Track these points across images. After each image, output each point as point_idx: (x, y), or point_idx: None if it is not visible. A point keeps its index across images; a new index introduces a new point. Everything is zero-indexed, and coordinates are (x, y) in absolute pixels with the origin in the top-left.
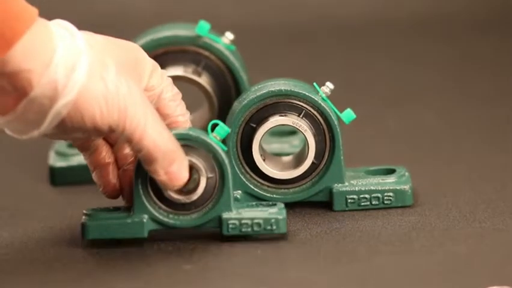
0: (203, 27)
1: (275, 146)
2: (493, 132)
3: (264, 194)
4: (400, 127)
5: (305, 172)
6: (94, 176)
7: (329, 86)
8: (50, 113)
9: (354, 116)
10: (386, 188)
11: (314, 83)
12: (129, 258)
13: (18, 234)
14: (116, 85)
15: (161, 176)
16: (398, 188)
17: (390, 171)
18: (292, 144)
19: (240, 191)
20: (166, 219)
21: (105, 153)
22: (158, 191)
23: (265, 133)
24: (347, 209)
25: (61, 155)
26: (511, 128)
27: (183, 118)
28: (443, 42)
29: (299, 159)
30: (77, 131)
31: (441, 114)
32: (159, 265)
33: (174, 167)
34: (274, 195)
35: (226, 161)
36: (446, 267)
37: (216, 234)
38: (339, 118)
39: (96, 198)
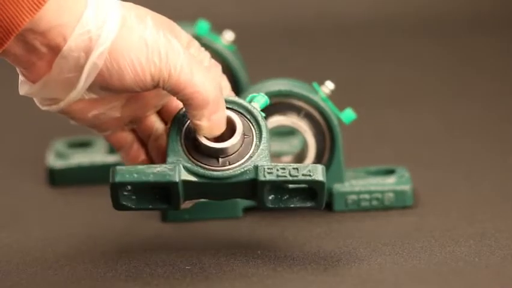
0: (202, 27)
1: (275, 146)
2: (493, 132)
3: None
4: (400, 127)
5: None
6: (121, 155)
7: (329, 85)
8: (86, 66)
9: (354, 116)
10: (386, 189)
11: (314, 83)
12: (128, 259)
13: (18, 235)
14: (153, 34)
15: (204, 122)
16: (398, 188)
17: (390, 172)
18: (292, 144)
19: None
20: (201, 170)
21: (138, 150)
22: (193, 150)
23: None
24: (346, 209)
25: (60, 155)
26: (511, 128)
27: (225, 90)
28: (443, 42)
29: (299, 159)
30: (116, 87)
31: (442, 115)
32: (159, 265)
33: (217, 116)
34: None
35: (264, 121)
36: (446, 267)
37: (216, 235)
38: (339, 118)
39: (95, 199)
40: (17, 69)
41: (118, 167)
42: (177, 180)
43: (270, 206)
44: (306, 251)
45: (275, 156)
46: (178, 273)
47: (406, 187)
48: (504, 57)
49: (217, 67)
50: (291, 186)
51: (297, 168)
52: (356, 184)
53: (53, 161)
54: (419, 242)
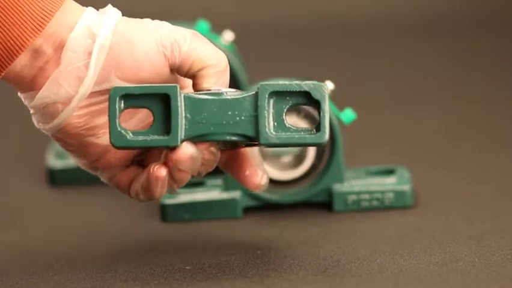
0: (202, 27)
1: None
2: (493, 132)
3: (264, 194)
4: (400, 127)
5: (305, 172)
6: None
7: (329, 85)
8: (94, 49)
9: (354, 116)
10: (386, 189)
11: None
12: (128, 259)
13: (18, 235)
14: (153, 20)
15: (211, 85)
16: (398, 188)
17: (390, 172)
18: None
19: (239, 191)
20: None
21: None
22: None
23: None
24: (346, 209)
25: (60, 155)
26: (511, 128)
27: None
28: (443, 42)
29: (299, 159)
30: (129, 65)
31: (441, 114)
32: (159, 265)
33: (222, 80)
34: (274, 196)
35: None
36: (446, 267)
37: (216, 235)
38: (339, 118)
39: (95, 199)
40: (19, 93)
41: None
42: (177, 85)
43: (273, 136)
44: (306, 251)
45: (275, 156)
46: (178, 273)
47: (406, 187)
48: (504, 57)
49: None
50: (293, 124)
51: (298, 84)
52: (356, 184)
53: (53, 161)
54: (419, 242)
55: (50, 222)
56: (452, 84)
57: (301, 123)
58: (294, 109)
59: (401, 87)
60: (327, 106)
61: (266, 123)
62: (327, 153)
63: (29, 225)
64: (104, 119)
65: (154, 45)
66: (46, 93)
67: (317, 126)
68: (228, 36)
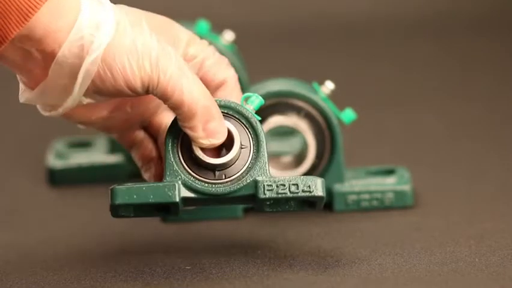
0: (202, 27)
1: (275, 146)
2: (493, 132)
3: None
4: (400, 127)
5: (305, 172)
6: (142, 172)
7: (329, 85)
8: (80, 72)
9: (354, 116)
10: (386, 189)
11: (314, 83)
12: (128, 259)
13: (18, 235)
14: (146, 39)
15: (199, 132)
16: (398, 188)
17: (390, 172)
18: (292, 144)
19: None
20: (199, 186)
21: (151, 147)
22: (190, 161)
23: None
24: (346, 209)
25: (60, 155)
26: (511, 128)
27: (231, 80)
28: (443, 42)
29: (299, 159)
30: (110, 92)
31: (441, 115)
32: (159, 265)
33: (212, 124)
34: None
35: (261, 128)
36: (446, 267)
37: (216, 235)
38: (339, 118)
39: (95, 199)
40: (18, 77)
41: (117, 188)
42: (177, 200)
43: (268, 210)
44: (306, 251)
45: (275, 156)
46: (178, 273)
47: (406, 187)
48: (504, 57)
49: (223, 60)
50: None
51: (296, 185)
52: (356, 184)
53: (53, 161)
54: (419, 242)
55: (50, 222)
56: (452, 84)
57: (301, 123)
58: (294, 109)
59: (401, 87)
60: (323, 201)
61: (263, 205)
62: (327, 153)
63: (29, 226)
64: (99, 103)
65: (134, 78)
66: (34, 99)
67: (311, 203)
68: (228, 36)
